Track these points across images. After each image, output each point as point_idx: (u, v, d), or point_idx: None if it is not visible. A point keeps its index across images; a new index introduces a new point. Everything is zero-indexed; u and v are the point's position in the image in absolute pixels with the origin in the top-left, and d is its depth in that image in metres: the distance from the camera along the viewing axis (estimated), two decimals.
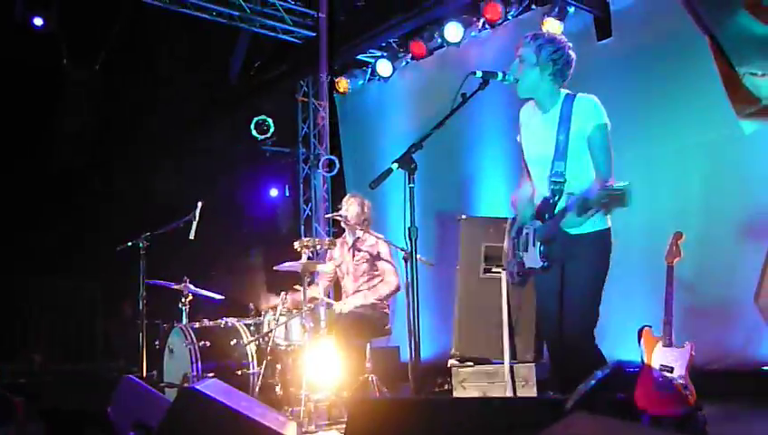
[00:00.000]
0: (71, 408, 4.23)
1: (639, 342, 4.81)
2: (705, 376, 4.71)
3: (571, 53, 3.86)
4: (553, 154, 3.76)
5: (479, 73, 3.67)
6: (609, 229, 3.84)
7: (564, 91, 3.85)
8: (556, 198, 3.73)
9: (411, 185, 3.49)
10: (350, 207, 6.38)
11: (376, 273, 6.33)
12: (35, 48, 8.73)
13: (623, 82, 6.85)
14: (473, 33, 8.19)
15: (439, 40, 8.35)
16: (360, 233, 6.39)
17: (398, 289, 6.25)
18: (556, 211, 3.73)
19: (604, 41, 7.11)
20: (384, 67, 9.13)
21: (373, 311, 6.22)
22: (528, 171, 4.01)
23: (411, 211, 3.49)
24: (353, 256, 6.40)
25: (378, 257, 6.30)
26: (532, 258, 3.83)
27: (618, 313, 6.10)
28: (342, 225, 6.51)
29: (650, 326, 4.84)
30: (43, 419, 4.39)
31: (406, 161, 3.48)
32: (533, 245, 3.83)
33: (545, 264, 3.76)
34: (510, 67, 3.83)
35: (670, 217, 6.35)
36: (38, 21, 8.40)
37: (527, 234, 3.88)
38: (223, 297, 6.82)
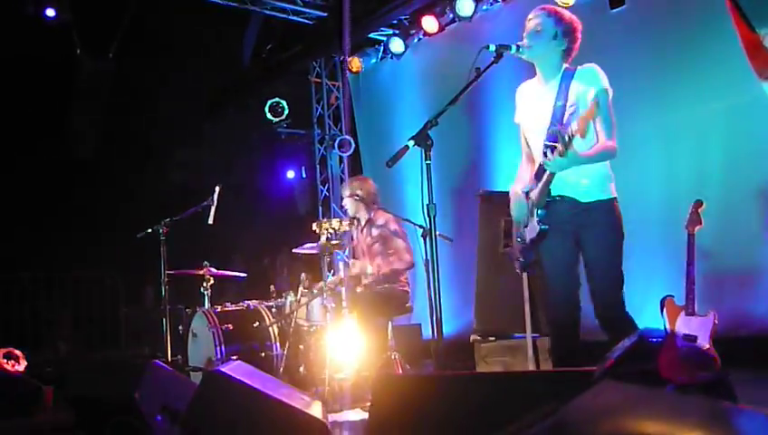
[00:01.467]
0: (98, 394, 4.28)
1: (662, 311, 4.79)
2: (728, 344, 4.68)
3: (580, 35, 3.91)
4: (549, 120, 3.80)
5: (492, 47, 3.67)
6: (616, 199, 3.87)
7: (565, 66, 3.91)
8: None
9: (428, 162, 3.49)
10: (359, 189, 6.35)
11: (390, 251, 6.32)
12: (48, 40, 8.76)
13: (637, 50, 6.78)
14: (485, 8, 8.13)
15: (451, 15, 8.29)
16: (372, 213, 6.36)
17: (411, 265, 6.22)
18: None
19: (617, 9, 7.03)
20: (396, 45, 9.08)
21: (393, 288, 6.23)
22: (530, 149, 4.03)
23: (429, 188, 3.49)
24: (366, 236, 6.39)
25: (390, 235, 6.28)
26: (532, 228, 3.86)
27: (638, 282, 6.06)
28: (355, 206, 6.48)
29: (672, 296, 4.82)
30: (72, 406, 4.44)
31: (422, 138, 3.48)
32: (531, 214, 3.85)
33: (544, 227, 3.78)
34: (524, 35, 3.84)
35: (689, 185, 6.31)
36: (50, 12, 8.42)
37: (527, 206, 3.90)
38: (245, 275, 6.85)
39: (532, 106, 3.98)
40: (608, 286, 3.81)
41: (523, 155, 4.15)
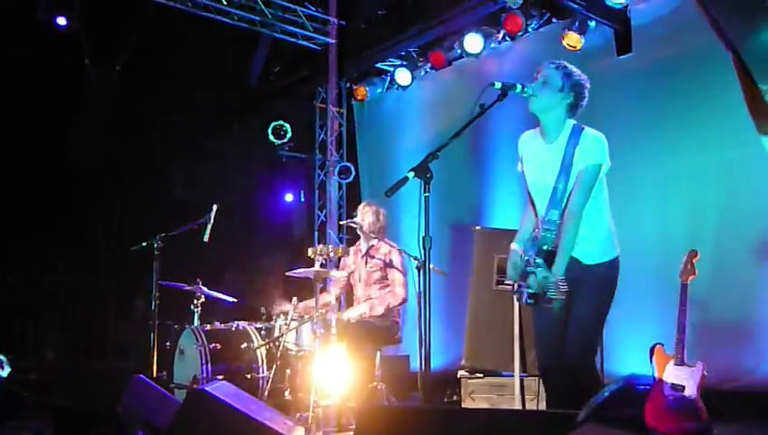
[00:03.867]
0: (80, 405, 4.25)
1: (651, 359, 4.78)
2: (717, 396, 4.67)
3: (587, 93, 3.91)
4: (549, 201, 3.80)
5: (498, 85, 3.68)
6: (618, 257, 3.91)
7: (572, 123, 3.88)
8: (544, 247, 3.76)
9: (427, 194, 3.49)
10: (365, 216, 6.39)
11: (387, 281, 6.33)
12: (58, 47, 8.80)
13: (641, 97, 6.85)
14: (492, 45, 8.19)
15: (459, 51, 8.34)
16: (374, 241, 6.40)
17: (404, 301, 6.25)
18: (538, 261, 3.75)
19: (624, 56, 7.10)
20: (403, 76, 9.12)
21: (384, 320, 6.22)
22: (532, 202, 4.02)
23: (426, 220, 3.49)
24: (366, 263, 6.40)
25: (390, 266, 6.30)
26: (524, 293, 3.84)
27: (629, 329, 6.09)
28: (357, 232, 6.52)
29: (662, 344, 4.82)
30: (53, 415, 4.41)
31: (422, 170, 3.49)
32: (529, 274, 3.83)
33: (528, 301, 3.77)
34: (531, 85, 3.84)
35: (684, 235, 6.33)
36: (61, 20, 8.47)
37: (522, 265, 3.88)
38: (235, 300, 6.83)
39: (535, 163, 3.96)
40: (580, 346, 3.81)
41: (528, 204, 4.12)
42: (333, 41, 8.84)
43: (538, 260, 3.72)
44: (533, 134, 4.02)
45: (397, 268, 6.28)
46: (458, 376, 6.28)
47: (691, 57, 6.52)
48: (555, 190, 3.77)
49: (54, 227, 9.55)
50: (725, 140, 6.27)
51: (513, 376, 5.86)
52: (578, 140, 3.78)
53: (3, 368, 5.98)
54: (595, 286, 3.80)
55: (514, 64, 7.79)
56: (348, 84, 9.66)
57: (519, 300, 3.94)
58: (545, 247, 3.74)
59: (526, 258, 3.85)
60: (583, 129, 3.83)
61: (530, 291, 3.76)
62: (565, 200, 3.76)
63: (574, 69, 3.92)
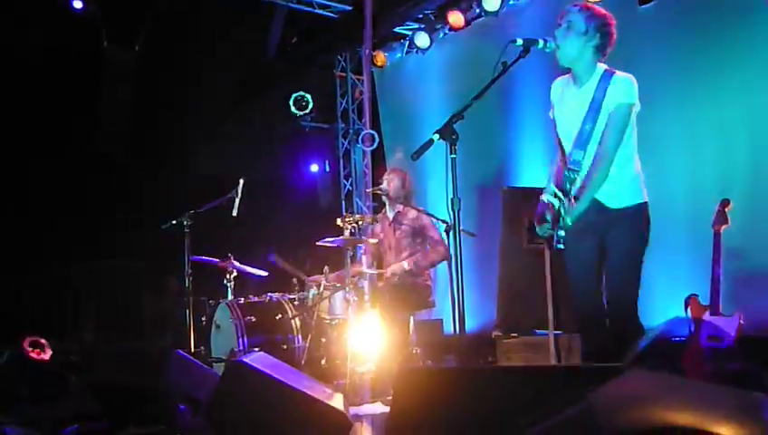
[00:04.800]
0: (122, 383, 4.32)
1: (686, 310, 4.76)
2: (754, 345, 4.64)
3: (615, 30, 3.85)
4: (574, 141, 3.76)
5: (520, 41, 3.63)
6: (646, 203, 3.84)
7: (602, 67, 3.83)
8: (568, 186, 3.72)
9: (453, 156, 3.48)
10: (391, 182, 6.38)
11: (418, 247, 6.32)
12: (76, 31, 8.83)
13: (666, 47, 6.72)
14: (511, 2, 8.07)
15: (477, 10, 8.25)
16: (400, 207, 6.39)
17: (448, 257, 6.21)
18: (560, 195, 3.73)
19: (646, 5, 6.96)
20: (422, 39, 9.03)
21: (415, 283, 6.23)
22: (561, 147, 3.98)
23: (453, 182, 3.47)
24: (394, 230, 6.40)
25: (420, 231, 6.29)
26: (555, 238, 3.81)
27: (664, 281, 6.05)
28: (384, 199, 6.51)
29: (697, 295, 4.79)
30: (96, 394, 4.48)
31: (447, 132, 3.47)
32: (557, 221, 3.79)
33: (558, 246, 3.74)
34: (555, 32, 3.80)
35: (716, 184, 6.23)
36: (77, 4, 8.49)
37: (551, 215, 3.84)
38: (267, 274, 6.88)
39: (566, 109, 3.92)
40: (622, 296, 3.79)
41: (557, 152, 4.08)
42: (368, 8, 8.65)
43: (559, 195, 3.70)
44: (565, 80, 3.98)
45: (429, 232, 6.26)
46: (493, 337, 6.29)
47: (717, 3, 6.38)
48: (582, 131, 3.75)
49: (85, 210, 9.65)
50: (754, 85, 6.14)
51: (547, 334, 5.85)
52: (608, 82, 3.75)
53: (45, 351, 6.08)
54: (623, 231, 3.75)
55: (534, 21, 7.67)
56: (367, 51, 9.59)
57: (551, 248, 3.92)
58: (567, 186, 3.71)
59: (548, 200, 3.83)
60: (614, 72, 3.79)
61: (560, 234, 3.72)
62: (591, 141, 3.73)
63: (598, 8, 3.86)
